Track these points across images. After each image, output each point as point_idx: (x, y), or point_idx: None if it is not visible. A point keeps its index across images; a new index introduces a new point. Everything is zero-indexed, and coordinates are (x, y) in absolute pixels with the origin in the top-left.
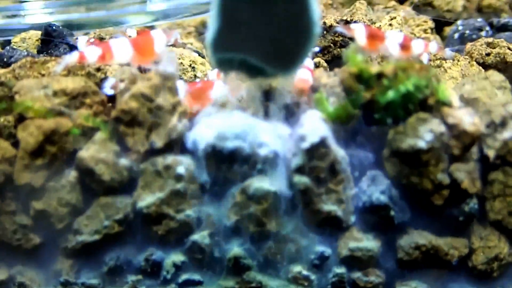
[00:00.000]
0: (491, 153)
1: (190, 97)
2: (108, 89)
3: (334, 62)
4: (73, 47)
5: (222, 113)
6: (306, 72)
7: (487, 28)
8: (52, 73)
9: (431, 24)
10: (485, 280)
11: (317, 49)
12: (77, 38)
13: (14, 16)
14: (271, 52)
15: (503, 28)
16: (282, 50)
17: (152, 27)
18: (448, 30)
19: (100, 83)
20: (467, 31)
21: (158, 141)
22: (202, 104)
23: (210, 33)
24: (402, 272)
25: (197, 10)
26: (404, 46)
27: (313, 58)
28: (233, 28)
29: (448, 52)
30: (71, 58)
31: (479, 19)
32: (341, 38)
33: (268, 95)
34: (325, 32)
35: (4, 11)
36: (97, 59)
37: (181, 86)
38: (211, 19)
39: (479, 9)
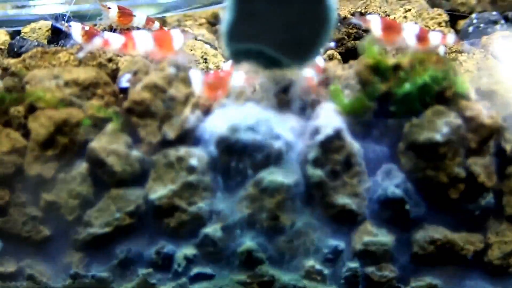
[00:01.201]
0: (508, 147)
1: (207, 87)
2: (124, 83)
3: (348, 54)
4: (68, 35)
5: (236, 105)
6: (310, 71)
7: (502, 21)
8: (72, 59)
9: (445, 17)
10: (500, 275)
11: (332, 44)
12: (70, 26)
13: (23, 6)
14: (286, 42)
15: None
16: (297, 40)
17: (163, 18)
18: (462, 23)
19: (111, 74)
20: (482, 25)
21: (171, 132)
22: (219, 95)
23: (224, 24)
24: (416, 267)
25: (208, 1)
26: (421, 38)
27: (325, 52)
28: (247, 19)
29: (466, 45)
30: (95, 43)
31: (494, 12)
32: (355, 30)
33: (283, 87)
34: (339, 24)
35: (14, 2)
36: (120, 47)
37: (198, 77)
38: (226, 9)
39: (493, 2)
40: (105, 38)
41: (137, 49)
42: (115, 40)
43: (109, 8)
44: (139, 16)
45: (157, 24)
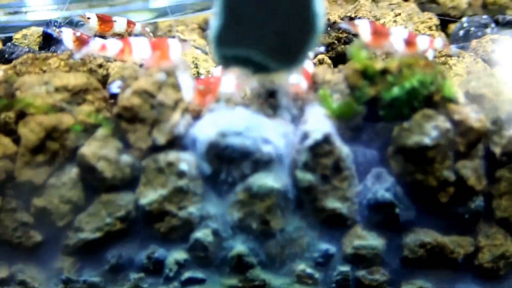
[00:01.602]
0: (497, 150)
1: (197, 92)
2: (114, 89)
3: (339, 59)
4: (59, 41)
5: (225, 110)
6: (298, 76)
7: (493, 25)
8: (67, 61)
9: (436, 21)
10: (491, 278)
11: (322, 48)
12: (61, 31)
13: (16, 13)
14: (274, 47)
15: (509, 25)
16: (285, 46)
17: (155, 24)
18: (453, 27)
19: (101, 80)
20: (472, 28)
21: (160, 137)
22: (209, 100)
23: (213, 29)
24: (407, 270)
25: (199, 7)
26: (409, 42)
27: (315, 56)
28: (236, 24)
29: (453, 49)
30: (93, 47)
31: (485, 16)
32: (345, 35)
33: (271, 92)
34: (329, 29)
35: (6, 8)
36: (117, 52)
37: (188, 82)
38: (214, 14)
39: (484, 6)
40: (103, 43)
41: (133, 56)
42: (113, 46)
43: (89, 18)
44: (119, 21)
45: (138, 27)
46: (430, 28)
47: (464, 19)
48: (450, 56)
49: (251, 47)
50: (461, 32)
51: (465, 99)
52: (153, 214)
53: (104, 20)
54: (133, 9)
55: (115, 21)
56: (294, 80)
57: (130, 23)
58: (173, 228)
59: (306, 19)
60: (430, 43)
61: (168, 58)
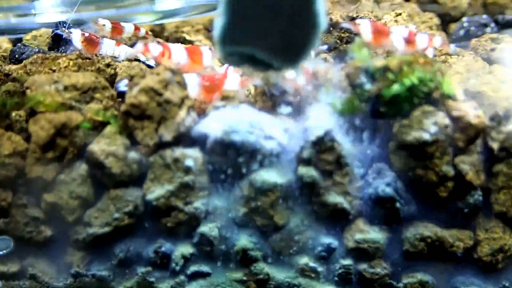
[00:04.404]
0: (495, 146)
1: (203, 90)
2: (122, 87)
3: (340, 58)
4: (68, 42)
5: (230, 107)
6: (293, 73)
7: (492, 24)
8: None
9: (436, 20)
10: (490, 271)
11: (325, 47)
12: (71, 32)
13: (25, 15)
14: (277, 46)
15: (508, 24)
16: (288, 44)
17: (161, 25)
18: (453, 26)
19: (109, 78)
20: (472, 28)
21: (167, 134)
22: (214, 97)
23: (218, 28)
24: (408, 263)
25: (204, 8)
26: (409, 41)
27: (318, 55)
28: (240, 23)
29: (452, 47)
30: (137, 49)
31: (484, 16)
32: (347, 35)
33: (275, 90)
34: (331, 29)
35: (16, 10)
36: (157, 55)
37: (194, 80)
38: (219, 14)
39: (484, 6)
40: (146, 45)
41: (172, 60)
42: (154, 49)
43: (104, 25)
44: (127, 26)
45: (143, 31)
46: (430, 27)
47: (464, 18)
48: (450, 54)
49: (254, 45)
50: (462, 32)
51: (465, 96)
52: (160, 209)
53: (116, 27)
54: (140, 11)
55: (124, 27)
56: (294, 77)
57: (136, 27)
58: (179, 223)
59: (308, 18)
60: (429, 41)
61: (201, 64)
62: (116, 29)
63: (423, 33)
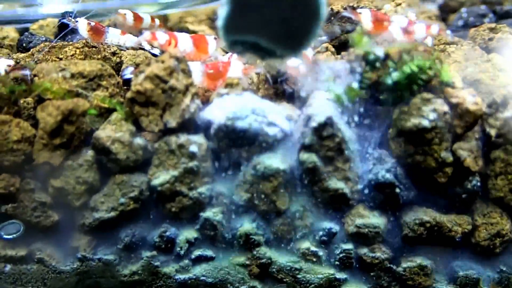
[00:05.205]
0: (493, 132)
1: (207, 77)
2: (128, 75)
3: (342, 47)
4: (74, 31)
5: (233, 94)
6: (296, 61)
7: (491, 15)
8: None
9: (435, 11)
10: (487, 256)
11: (324, 37)
12: (77, 21)
13: (32, 5)
14: (280, 33)
15: (506, 15)
16: (290, 32)
17: (165, 16)
18: (452, 17)
19: (115, 66)
20: (471, 18)
21: (172, 121)
22: (218, 85)
23: (222, 17)
24: (407, 248)
25: None
26: (408, 30)
27: (320, 44)
28: (243, 11)
29: (449, 33)
30: (145, 37)
31: (483, 7)
32: (348, 24)
33: (277, 77)
34: (332, 18)
35: (22, 1)
36: (164, 43)
37: (198, 67)
38: (223, 4)
39: None
40: (153, 33)
41: (178, 48)
42: (161, 37)
43: (125, 14)
44: (145, 17)
45: (157, 22)
46: (430, 18)
47: (462, 9)
48: (449, 44)
49: (257, 33)
50: (460, 22)
51: (463, 84)
52: (165, 194)
53: (138, 18)
54: (144, 1)
55: (143, 18)
56: (296, 65)
57: (152, 19)
58: (184, 207)
59: (309, 7)
60: (427, 30)
61: (206, 52)
62: (138, 20)
63: (420, 22)
